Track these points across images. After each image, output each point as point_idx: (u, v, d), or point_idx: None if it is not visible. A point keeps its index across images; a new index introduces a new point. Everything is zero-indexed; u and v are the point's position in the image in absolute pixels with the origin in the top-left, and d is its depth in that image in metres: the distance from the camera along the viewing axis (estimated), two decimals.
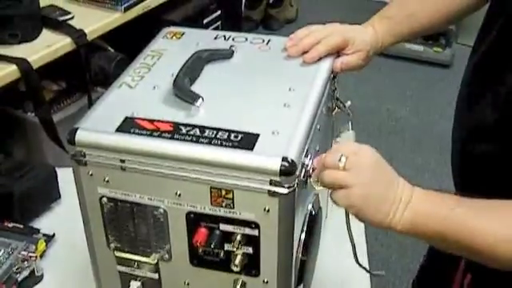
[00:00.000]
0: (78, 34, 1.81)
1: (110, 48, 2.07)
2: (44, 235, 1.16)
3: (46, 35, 1.80)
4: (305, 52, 0.98)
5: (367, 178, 0.78)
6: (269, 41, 1.04)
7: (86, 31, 1.83)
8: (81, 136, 0.82)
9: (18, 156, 2.00)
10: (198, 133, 0.81)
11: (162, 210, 0.83)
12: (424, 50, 3.50)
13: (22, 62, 1.66)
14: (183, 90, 0.88)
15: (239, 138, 0.80)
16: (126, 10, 1.98)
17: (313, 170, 0.82)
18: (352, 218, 0.82)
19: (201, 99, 0.85)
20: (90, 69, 1.95)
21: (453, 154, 1.00)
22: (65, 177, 1.22)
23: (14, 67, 1.65)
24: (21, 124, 1.98)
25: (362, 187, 0.78)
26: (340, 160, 0.78)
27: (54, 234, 1.17)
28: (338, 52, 1.01)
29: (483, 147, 0.90)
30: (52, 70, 1.85)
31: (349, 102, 1.06)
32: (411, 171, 2.68)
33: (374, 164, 0.79)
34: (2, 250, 1.11)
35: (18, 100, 1.94)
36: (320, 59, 0.98)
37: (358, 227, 0.93)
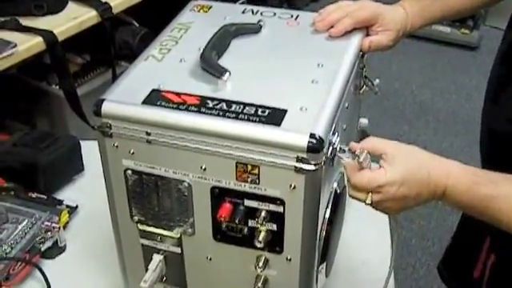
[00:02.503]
0: (103, 7, 1.80)
1: (134, 22, 2.07)
2: (67, 206, 1.17)
3: (72, 7, 1.80)
4: (332, 27, 0.96)
5: (396, 206, 0.80)
6: (297, 16, 1.02)
7: (112, 4, 1.82)
8: (107, 107, 0.81)
9: (42, 128, 2.01)
10: (224, 107, 0.80)
11: (186, 184, 0.83)
12: (451, 31, 3.45)
13: (47, 34, 1.66)
14: (210, 63, 0.87)
15: (266, 113, 0.79)
16: None
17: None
18: None
19: (228, 73, 0.84)
20: (114, 43, 1.95)
21: (482, 133, 0.98)
22: (88, 149, 1.22)
23: (39, 39, 1.65)
24: (45, 96, 1.99)
25: (392, 210, 0.82)
26: (366, 200, 0.80)
27: (77, 206, 1.18)
28: (367, 28, 0.99)
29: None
30: (77, 44, 1.85)
31: (377, 81, 1.04)
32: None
33: (399, 192, 0.79)
34: (26, 221, 1.11)
35: (43, 72, 1.95)
36: (348, 33, 0.96)
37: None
